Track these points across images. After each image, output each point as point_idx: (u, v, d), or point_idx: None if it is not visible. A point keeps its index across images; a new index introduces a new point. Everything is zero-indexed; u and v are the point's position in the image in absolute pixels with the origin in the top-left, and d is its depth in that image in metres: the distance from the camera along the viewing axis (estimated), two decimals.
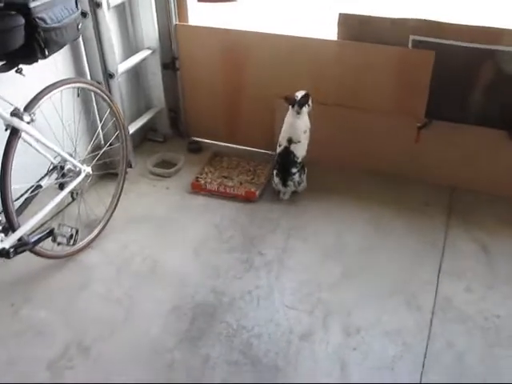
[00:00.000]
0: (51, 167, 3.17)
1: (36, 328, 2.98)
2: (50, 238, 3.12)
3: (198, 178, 4.09)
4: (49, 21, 2.61)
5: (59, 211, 3.54)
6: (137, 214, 3.82)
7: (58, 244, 3.18)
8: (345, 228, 3.67)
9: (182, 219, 3.78)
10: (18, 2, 2.50)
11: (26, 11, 2.50)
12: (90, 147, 3.59)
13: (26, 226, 2.91)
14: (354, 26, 3.71)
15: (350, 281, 3.27)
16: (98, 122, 3.85)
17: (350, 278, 3.28)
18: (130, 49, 4.17)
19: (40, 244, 3.06)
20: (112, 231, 3.63)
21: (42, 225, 3.36)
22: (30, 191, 3.01)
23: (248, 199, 3.89)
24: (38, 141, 2.92)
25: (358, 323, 2.98)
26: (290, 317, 3.02)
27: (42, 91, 2.91)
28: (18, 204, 2.96)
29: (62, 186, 3.22)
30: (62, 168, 3.19)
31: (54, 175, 3.18)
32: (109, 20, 3.62)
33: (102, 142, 3.86)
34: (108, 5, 3.59)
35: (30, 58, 2.67)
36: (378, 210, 3.81)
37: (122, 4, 3.94)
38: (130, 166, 4.11)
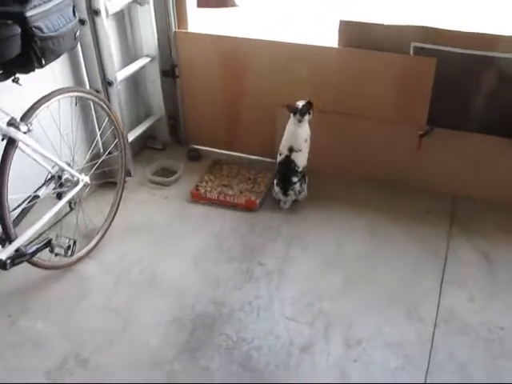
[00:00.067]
0: (49, 177, 3.14)
1: (33, 339, 2.95)
2: (48, 249, 3.09)
3: (197, 186, 4.06)
4: (45, 30, 2.58)
5: (57, 221, 3.51)
6: (136, 223, 3.79)
7: (56, 255, 3.16)
8: (346, 236, 3.64)
9: (181, 228, 3.74)
10: (14, 11, 2.46)
11: (22, 20, 2.46)
12: (88, 156, 3.55)
13: (23, 237, 2.88)
14: (354, 33, 3.68)
15: (351, 290, 3.23)
16: (97, 130, 3.81)
17: (351, 287, 3.25)
18: (129, 56, 4.14)
19: (37, 254, 3.03)
20: (110, 241, 3.60)
21: (40, 235, 3.33)
22: (27, 201, 2.98)
23: (248, 208, 3.86)
24: (35, 151, 2.89)
25: (359, 334, 2.94)
26: (290, 328, 2.98)
27: (39, 101, 2.88)
28: (15, 214, 2.93)
29: (59, 196, 3.19)
30: (60, 178, 3.16)
31: (52, 185, 3.15)
32: (107, 27, 3.60)
33: (101, 151, 3.83)
34: (106, 12, 3.56)
35: (27, 68, 2.63)
36: (378, 218, 3.78)
37: (121, 11, 3.91)
38: (129, 175, 4.09)
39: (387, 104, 3.82)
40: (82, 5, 3.38)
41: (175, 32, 4.13)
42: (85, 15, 3.42)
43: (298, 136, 3.74)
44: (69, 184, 3.22)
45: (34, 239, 3.20)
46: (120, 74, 3.89)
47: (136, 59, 4.15)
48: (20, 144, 2.76)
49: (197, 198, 3.97)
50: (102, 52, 3.64)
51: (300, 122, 3.71)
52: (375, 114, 3.86)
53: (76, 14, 2.87)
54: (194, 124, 4.53)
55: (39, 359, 2.84)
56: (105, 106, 3.44)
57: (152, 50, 4.15)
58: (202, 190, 4.01)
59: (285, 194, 3.81)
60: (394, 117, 3.83)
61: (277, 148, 3.89)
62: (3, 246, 2.83)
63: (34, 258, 3.01)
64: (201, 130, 4.54)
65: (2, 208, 2.75)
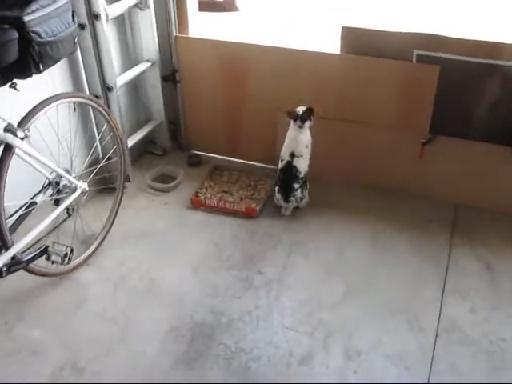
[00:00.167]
0: (46, 183, 3.11)
1: (29, 347, 2.91)
2: (44, 257, 3.06)
3: (197, 192, 4.03)
4: (43, 35, 2.55)
5: (55, 227, 3.49)
6: (135, 229, 3.76)
7: (53, 262, 3.12)
8: (347, 244, 3.61)
9: (180, 235, 3.71)
10: (11, 15, 2.44)
11: (19, 25, 2.44)
12: (87, 162, 3.52)
13: (20, 244, 2.84)
14: (357, 40, 3.66)
15: (352, 299, 3.20)
16: (96, 136, 3.78)
17: (352, 297, 3.22)
18: (130, 61, 4.11)
19: (34, 262, 3.00)
20: (109, 247, 3.57)
21: (37, 241, 3.29)
22: (23, 208, 2.94)
23: (248, 215, 3.83)
24: (32, 157, 2.85)
25: (359, 345, 2.91)
26: (289, 339, 2.95)
27: (36, 106, 2.85)
28: (12, 221, 2.89)
29: (57, 202, 3.16)
30: (58, 184, 3.13)
31: (50, 191, 3.12)
32: (107, 32, 3.57)
33: (100, 157, 3.80)
34: (107, 16, 3.53)
35: (24, 73, 2.60)
36: (380, 226, 3.75)
37: (122, 16, 3.89)
38: (129, 180, 4.06)
39: (389, 111, 3.79)
40: (82, 9, 3.36)
41: (176, 37, 4.10)
42: (85, 19, 3.40)
43: (299, 142, 3.72)
44: (67, 190, 3.19)
45: (31, 246, 3.16)
46: (120, 79, 3.86)
47: (136, 64, 4.12)
48: (17, 150, 2.73)
49: (196, 204, 3.94)
50: (101, 57, 3.61)
51: (301, 128, 3.69)
52: (377, 121, 3.83)
53: (75, 18, 2.84)
54: (195, 129, 4.51)
55: (35, 368, 2.80)
56: (104, 112, 3.41)
57: (152, 54, 4.12)
58: (202, 197, 3.98)
59: (286, 200, 3.78)
60: (397, 124, 3.80)
61: (278, 154, 3.87)
62: None
63: (30, 265, 2.98)
64: (201, 136, 4.51)
65: None
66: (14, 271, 2.85)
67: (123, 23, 3.97)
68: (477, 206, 3.84)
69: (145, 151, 4.57)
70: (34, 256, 2.97)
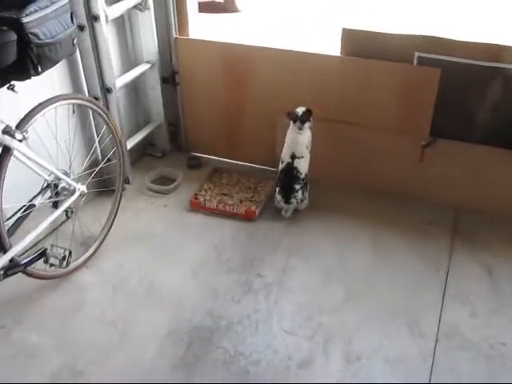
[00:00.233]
0: (45, 185, 3.09)
1: (28, 351, 2.90)
2: (42, 260, 3.04)
3: (196, 195, 4.01)
4: (42, 36, 2.53)
5: (53, 230, 3.47)
6: (134, 232, 3.74)
7: (51, 265, 3.11)
8: (347, 247, 3.60)
9: (180, 238, 3.69)
10: (10, 17, 2.42)
11: (18, 27, 2.42)
12: (85, 164, 3.50)
13: (18, 247, 2.83)
14: (357, 42, 3.64)
15: (352, 303, 3.18)
16: (95, 138, 3.77)
17: (352, 301, 3.20)
18: (129, 62, 4.09)
19: (32, 264, 2.98)
20: (108, 250, 3.55)
21: (36, 244, 3.29)
22: (22, 210, 2.93)
23: (248, 218, 3.82)
24: (30, 159, 2.84)
25: (359, 349, 2.90)
26: (289, 343, 2.93)
27: (34, 108, 2.84)
28: (10, 224, 2.88)
29: (56, 205, 3.14)
30: (56, 186, 3.11)
31: (48, 193, 3.10)
32: (107, 33, 3.56)
33: (99, 159, 3.78)
34: (106, 18, 3.51)
35: (23, 75, 2.59)
36: (380, 229, 3.73)
37: (121, 17, 3.87)
38: (128, 183, 4.05)
39: (390, 114, 3.78)
40: (81, 10, 3.34)
41: (176, 38, 4.09)
42: (84, 21, 3.38)
43: (299, 142, 3.71)
44: (65, 193, 3.18)
45: (30, 248, 3.15)
46: (119, 81, 3.85)
47: (136, 65, 4.10)
48: (15, 152, 2.72)
49: (196, 206, 3.92)
50: (101, 58, 3.60)
51: (300, 129, 3.68)
52: (378, 123, 3.82)
53: (74, 20, 2.82)
54: (194, 131, 4.49)
55: (33, 372, 2.79)
56: (103, 114, 3.40)
57: (152, 56, 4.11)
58: (202, 199, 3.96)
59: (287, 201, 3.77)
60: (397, 127, 3.79)
61: (278, 156, 3.86)
62: None
63: (28, 268, 2.97)
64: (201, 138, 4.50)
65: None
66: (12, 274, 2.84)
67: (123, 25, 3.96)
68: (478, 209, 3.82)
69: (144, 153, 4.55)
70: (32, 259, 2.96)
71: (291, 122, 3.72)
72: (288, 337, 2.97)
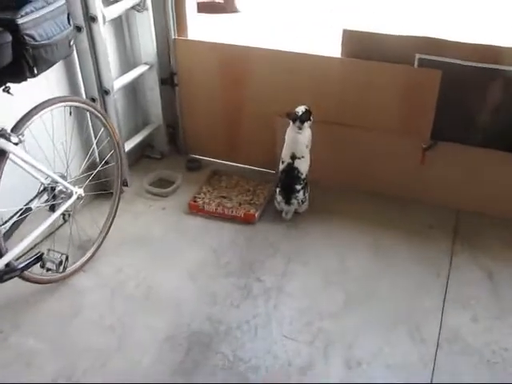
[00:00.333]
0: (41, 188, 3.06)
1: (24, 357, 2.87)
2: (39, 264, 3.01)
3: (195, 198, 3.98)
4: (38, 38, 2.50)
5: (50, 233, 3.45)
6: (132, 235, 3.71)
7: (47, 270, 3.08)
8: (346, 251, 3.56)
9: (178, 241, 3.66)
10: (5, 18, 2.38)
11: (13, 28, 2.38)
12: (83, 167, 3.47)
13: (14, 252, 2.80)
14: (358, 43, 3.62)
15: (352, 308, 3.15)
16: (93, 140, 3.73)
17: (352, 305, 3.17)
18: (127, 64, 4.06)
19: (29, 269, 2.95)
20: (106, 253, 3.52)
21: (32, 248, 3.26)
22: (18, 214, 2.89)
23: (247, 221, 3.79)
24: (26, 162, 2.80)
25: (359, 355, 2.87)
26: (288, 348, 2.90)
27: (30, 111, 2.80)
28: (6, 228, 2.85)
29: (52, 208, 3.11)
30: (53, 189, 3.08)
31: (45, 197, 3.07)
32: (104, 34, 3.52)
33: (97, 161, 3.75)
34: (104, 19, 3.48)
35: (18, 77, 2.54)
36: (380, 233, 3.70)
37: (119, 18, 3.84)
38: (126, 185, 4.01)
39: (390, 116, 3.75)
40: (79, 11, 3.31)
41: (174, 39, 4.06)
42: (81, 22, 3.35)
43: (298, 142, 3.68)
44: (62, 196, 3.14)
45: (27, 252, 3.12)
46: (117, 82, 3.82)
47: (134, 67, 4.07)
48: (11, 155, 2.68)
49: (195, 209, 3.89)
50: (98, 60, 3.57)
51: (300, 129, 3.65)
52: (378, 125, 3.79)
53: (71, 21, 2.78)
54: (193, 133, 4.47)
55: (29, 378, 2.76)
56: (100, 116, 3.36)
57: (151, 57, 4.08)
58: (200, 202, 3.93)
59: (287, 202, 3.74)
60: (398, 129, 3.76)
61: (277, 158, 3.83)
62: None
63: (25, 273, 2.93)
64: (200, 140, 4.47)
65: None
66: (8, 279, 2.81)
67: (121, 25, 3.93)
68: (479, 212, 3.80)
69: (142, 155, 4.52)
70: (29, 263, 2.93)
71: (291, 122, 3.68)
72: (288, 342, 2.93)
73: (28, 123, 2.77)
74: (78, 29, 3.34)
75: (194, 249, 3.59)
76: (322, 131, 3.76)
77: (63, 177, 3.15)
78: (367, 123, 3.82)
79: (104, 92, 3.68)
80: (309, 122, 3.67)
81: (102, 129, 3.48)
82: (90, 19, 3.41)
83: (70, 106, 3.21)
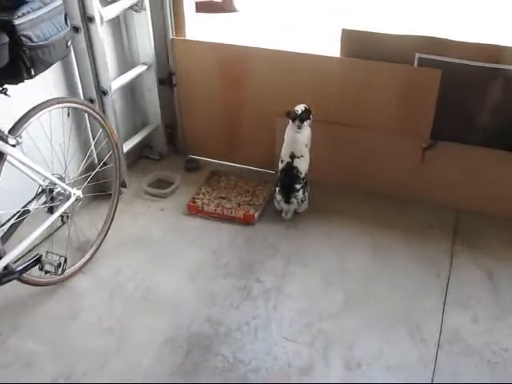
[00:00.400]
0: (39, 190, 3.04)
1: (23, 359, 2.86)
2: (38, 267, 3.00)
3: (194, 198, 3.97)
4: (35, 38, 2.48)
5: (49, 235, 3.43)
6: (131, 236, 3.69)
7: (46, 272, 3.06)
8: (346, 251, 3.55)
9: (177, 243, 3.65)
10: (1, 19, 2.37)
11: (10, 29, 2.37)
12: (81, 168, 3.45)
13: (12, 254, 2.79)
14: (357, 43, 3.61)
15: (352, 308, 3.14)
16: (91, 141, 3.72)
17: (352, 306, 3.16)
18: (125, 64, 4.05)
19: (27, 271, 2.94)
20: (104, 255, 3.51)
21: (31, 250, 3.25)
22: (16, 216, 2.87)
23: (246, 222, 3.77)
24: (24, 164, 2.79)
25: (359, 356, 2.86)
26: (288, 350, 2.89)
27: (28, 112, 2.79)
28: (4, 230, 2.83)
29: (51, 210, 3.09)
30: (51, 191, 3.06)
31: (43, 199, 3.05)
32: (102, 35, 3.50)
33: (96, 162, 3.74)
34: (101, 19, 3.46)
35: (16, 78, 2.53)
36: (380, 233, 3.69)
37: (117, 18, 3.82)
38: (125, 186, 3.99)
39: (390, 116, 3.74)
40: (76, 12, 3.30)
41: (172, 39, 4.05)
42: (79, 22, 3.34)
43: (298, 141, 3.66)
44: (60, 198, 3.12)
45: (25, 254, 3.11)
46: (115, 83, 3.81)
47: (132, 67, 4.06)
48: (8, 157, 2.67)
49: (194, 210, 3.88)
50: (96, 60, 3.55)
51: (299, 128, 3.64)
52: (378, 125, 3.78)
53: (68, 21, 2.77)
54: (192, 133, 4.45)
55: (28, 380, 2.75)
56: (98, 117, 3.35)
57: (149, 57, 4.06)
58: (199, 203, 3.92)
59: (287, 201, 3.73)
60: (397, 129, 3.75)
61: (276, 158, 3.82)
62: None
63: (23, 275, 2.92)
64: (199, 140, 4.46)
65: None
66: (6, 282, 2.80)
67: (118, 26, 3.91)
68: (479, 212, 3.79)
69: (141, 156, 4.50)
70: (27, 266, 2.92)
71: (290, 121, 3.67)
72: (288, 343, 2.92)
73: (26, 125, 2.76)
74: (76, 29, 3.33)
75: (193, 250, 3.57)
76: (321, 131, 3.75)
77: (61, 178, 3.13)
78: (367, 123, 3.81)
79: (102, 93, 3.67)
80: (308, 120, 3.66)
81: (100, 130, 3.45)
82: (88, 19, 3.39)
83: (68, 107, 3.19)
